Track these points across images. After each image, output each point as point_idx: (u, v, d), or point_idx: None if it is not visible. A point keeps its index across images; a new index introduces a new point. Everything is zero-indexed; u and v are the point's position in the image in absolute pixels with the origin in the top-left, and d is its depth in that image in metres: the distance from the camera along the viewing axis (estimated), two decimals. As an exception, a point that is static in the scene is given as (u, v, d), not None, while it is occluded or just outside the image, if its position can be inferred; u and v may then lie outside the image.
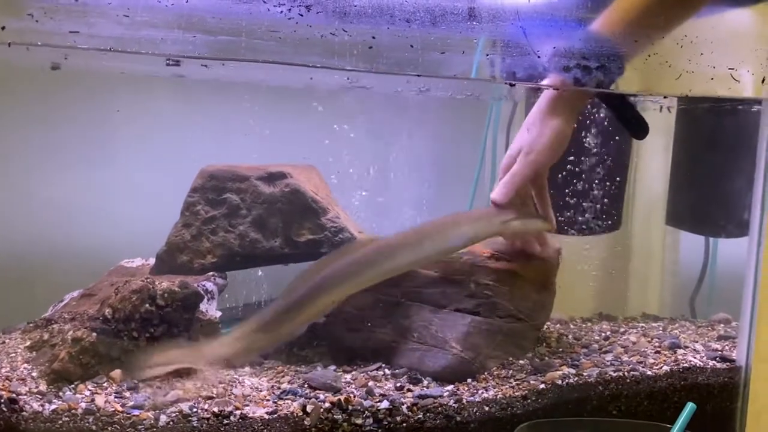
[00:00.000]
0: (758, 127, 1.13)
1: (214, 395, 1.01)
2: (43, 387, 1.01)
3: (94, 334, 1.04)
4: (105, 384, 1.02)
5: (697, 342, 1.28)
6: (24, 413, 0.92)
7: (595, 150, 1.41)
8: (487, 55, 1.02)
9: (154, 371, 1.03)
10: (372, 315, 1.17)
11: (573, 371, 1.11)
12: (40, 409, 0.94)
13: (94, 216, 1.41)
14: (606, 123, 1.40)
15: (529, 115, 1.16)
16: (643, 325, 1.45)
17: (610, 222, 1.48)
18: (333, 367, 1.14)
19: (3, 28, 0.86)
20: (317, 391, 1.04)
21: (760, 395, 1.08)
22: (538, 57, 1.02)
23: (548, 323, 1.37)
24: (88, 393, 0.99)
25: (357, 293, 1.17)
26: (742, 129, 1.25)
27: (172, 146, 1.42)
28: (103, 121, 1.41)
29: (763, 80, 1.10)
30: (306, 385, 1.06)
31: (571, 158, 1.40)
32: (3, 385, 0.99)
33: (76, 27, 0.89)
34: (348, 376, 1.10)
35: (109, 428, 0.92)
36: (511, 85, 1.15)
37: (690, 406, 0.92)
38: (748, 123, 1.18)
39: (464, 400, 1.02)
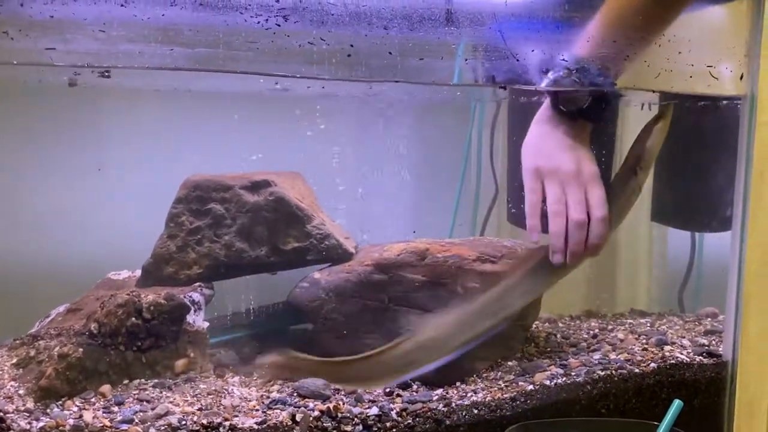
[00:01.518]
0: (738, 123, 1.14)
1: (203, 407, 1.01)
2: (30, 404, 1.00)
3: (81, 349, 1.03)
4: (93, 399, 1.02)
5: (684, 338, 1.29)
6: (11, 431, 0.92)
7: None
8: (466, 59, 1.03)
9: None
10: (359, 321, 1.17)
11: (561, 371, 1.12)
12: (28, 426, 0.93)
13: (80, 228, 1.41)
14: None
15: (538, 144, 1.14)
16: (631, 321, 1.46)
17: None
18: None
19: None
20: (306, 400, 1.04)
21: (749, 387, 1.08)
22: (517, 60, 1.03)
23: (537, 323, 1.38)
24: (75, 409, 0.99)
25: (343, 298, 1.18)
26: (723, 125, 1.26)
27: (159, 157, 1.42)
28: (89, 133, 1.40)
29: (741, 77, 1.11)
30: (295, 394, 1.06)
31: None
32: (-10, 404, 0.99)
33: (52, 44, 0.88)
34: (328, 384, 1.10)
35: (98, 444, 0.92)
36: (502, 88, 1.15)
37: (677, 404, 0.93)
38: (729, 119, 1.19)
39: (453, 404, 1.03)
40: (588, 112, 1.12)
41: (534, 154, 1.14)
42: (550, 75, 1.05)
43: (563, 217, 1.10)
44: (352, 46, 0.96)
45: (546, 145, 1.12)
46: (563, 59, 1.05)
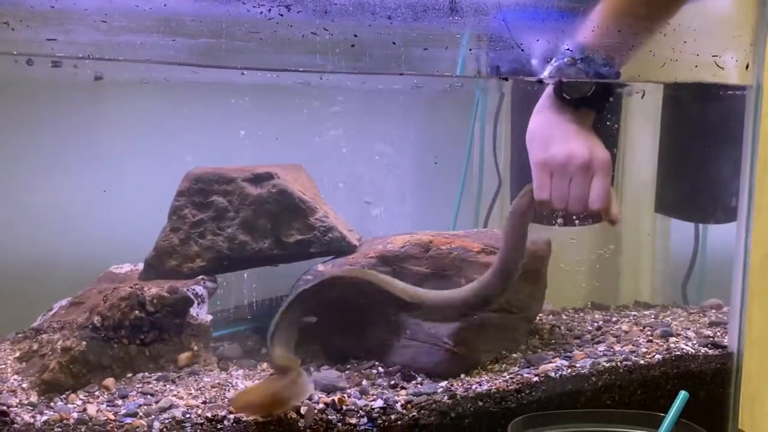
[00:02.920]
0: (743, 112, 1.13)
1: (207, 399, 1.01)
2: (34, 398, 1.00)
3: (84, 342, 1.03)
4: (97, 393, 1.02)
5: (689, 329, 1.28)
6: (15, 425, 0.92)
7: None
8: (471, 50, 1.02)
9: None
10: (364, 313, 1.16)
11: (566, 363, 1.11)
12: (32, 420, 0.93)
13: (82, 222, 1.40)
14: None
15: (544, 134, 1.13)
16: (635, 313, 1.45)
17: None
18: (325, 367, 1.14)
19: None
20: (314, 392, 1.04)
21: (753, 378, 1.08)
22: (522, 50, 1.02)
23: (540, 315, 1.37)
24: (79, 402, 0.99)
25: (349, 291, 1.17)
26: (727, 115, 1.25)
27: (160, 149, 1.41)
28: (89, 126, 1.40)
29: (747, 66, 1.10)
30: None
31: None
32: (-7, 398, 0.98)
33: (53, 34, 0.88)
34: (342, 376, 1.10)
35: (102, 437, 0.91)
36: (504, 79, 1.14)
37: (683, 395, 0.93)
38: (733, 109, 1.18)
39: (458, 396, 1.02)
40: (591, 100, 1.11)
41: (541, 145, 1.12)
42: (554, 62, 1.04)
43: (565, 203, 1.11)
44: (355, 36, 0.95)
45: (553, 134, 1.11)
46: (569, 49, 1.04)
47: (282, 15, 0.92)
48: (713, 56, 1.11)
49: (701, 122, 1.40)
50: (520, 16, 1.03)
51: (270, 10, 0.92)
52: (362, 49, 0.96)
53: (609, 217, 1.13)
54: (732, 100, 1.22)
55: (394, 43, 0.97)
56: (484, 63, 1.07)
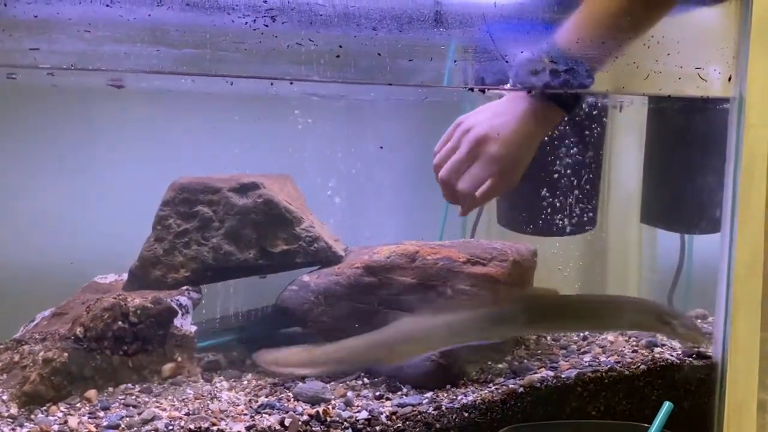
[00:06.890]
0: (727, 124, 1.14)
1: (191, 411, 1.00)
2: (14, 410, 0.99)
3: (66, 354, 1.02)
4: (78, 405, 1.01)
5: (674, 339, 1.29)
6: (-5, 438, 0.91)
7: (566, 149, 1.41)
8: (455, 61, 1.02)
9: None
10: (349, 324, 1.16)
11: (551, 373, 1.11)
12: (12, 433, 0.92)
13: (66, 231, 1.39)
14: (576, 121, 1.41)
15: (489, 107, 1.14)
16: (621, 323, 1.45)
17: (585, 221, 1.48)
18: (310, 377, 1.13)
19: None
20: (296, 404, 1.03)
21: (739, 386, 1.08)
22: (506, 62, 1.02)
23: (527, 325, 1.38)
24: (60, 414, 0.98)
25: (333, 301, 1.17)
26: (712, 127, 1.26)
27: (146, 158, 1.41)
28: (74, 133, 1.39)
29: (729, 78, 1.11)
30: (293, 399, 1.05)
31: (543, 158, 1.40)
32: (-27, 410, 0.97)
33: (36, 44, 0.87)
34: (327, 386, 1.10)
35: (83, 450, 0.90)
36: (482, 91, 1.15)
37: (667, 405, 0.93)
38: (717, 121, 1.19)
39: (443, 407, 1.02)
40: (555, 94, 1.09)
41: (476, 111, 1.14)
42: (524, 61, 1.04)
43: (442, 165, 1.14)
44: (341, 47, 0.95)
45: (492, 109, 1.12)
46: (553, 61, 1.04)
47: (267, 26, 0.93)
48: (697, 68, 1.12)
49: (685, 133, 1.41)
50: (504, 27, 1.04)
51: (255, 20, 0.92)
52: (347, 59, 0.96)
53: (463, 209, 1.13)
54: (715, 111, 1.23)
55: (379, 54, 0.97)
56: (470, 74, 1.07)
